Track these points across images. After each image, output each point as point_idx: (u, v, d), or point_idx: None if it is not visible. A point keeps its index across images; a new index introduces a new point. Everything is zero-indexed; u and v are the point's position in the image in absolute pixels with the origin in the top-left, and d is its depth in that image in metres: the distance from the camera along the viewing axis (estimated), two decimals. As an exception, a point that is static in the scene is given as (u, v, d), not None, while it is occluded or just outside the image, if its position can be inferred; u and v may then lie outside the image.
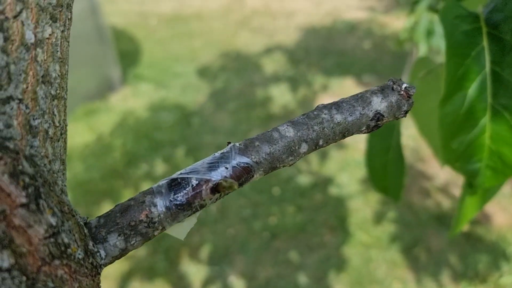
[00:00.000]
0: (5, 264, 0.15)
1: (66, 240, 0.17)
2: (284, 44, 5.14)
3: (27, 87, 0.18)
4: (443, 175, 2.79)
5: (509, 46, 0.44)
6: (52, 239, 0.17)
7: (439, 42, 2.57)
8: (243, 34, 5.61)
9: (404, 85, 0.25)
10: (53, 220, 0.17)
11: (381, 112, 0.24)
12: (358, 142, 3.16)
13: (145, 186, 2.97)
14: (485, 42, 0.45)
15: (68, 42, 0.21)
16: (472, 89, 0.45)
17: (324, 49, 4.89)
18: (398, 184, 0.61)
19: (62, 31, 0.20)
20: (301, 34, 5.45)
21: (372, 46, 4.86)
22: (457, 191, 2.61)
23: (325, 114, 0.24)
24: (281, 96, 3.90)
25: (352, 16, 5.98)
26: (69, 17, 0.21)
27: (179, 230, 0.23)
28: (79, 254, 0.18)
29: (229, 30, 5.76)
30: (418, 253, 2.29)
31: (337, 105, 0.24)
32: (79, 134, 3.52)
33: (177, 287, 2.29)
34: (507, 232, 2.32)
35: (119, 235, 0.21)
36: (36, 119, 0.19)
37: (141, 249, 2.49)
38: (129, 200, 0.22)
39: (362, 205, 2.63)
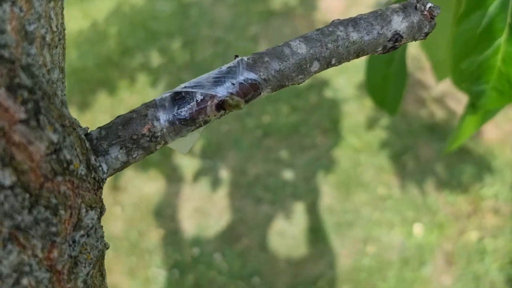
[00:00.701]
0: (7, 182, 0.15)
1: (68, 157, 0.17)
2: None
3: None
4: (441, 86, 2.78)
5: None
6: (54, 156, 0.16)
7: None
8: None
9: (429, 5, 0.23)
10: (54, 137, 0.16)
11: (400, 33, 0.23)
12: (360, 46, 3.08)
13: (141, 77, 2.93)
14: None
15: None
16: (492, 7, 0.42)
17: None
18: (396, 98, 0.61)
19: None
20: None
21: None
22: (452, 103, 2.62)
23: (340, 31, 0.22)
24: (284, -9, 3.71)
25: None
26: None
27: (182, 144, 0.22)
28: (82, 170, 0.18)
29: None
30: (406, 160, 2.36)
31: (354, 22, 0.23)
32: (73, 20, 3.38)
33: (170, 177, 2.39)
34: (495, 146, 2.38)
35: (121, 148, 0.20)
36: (31, 23, 0.17)
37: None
38: (131, 112, 0.21)
39: (356, 110, 2.65)
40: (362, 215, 2.17)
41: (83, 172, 0.18)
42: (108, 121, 0.23)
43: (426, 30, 0.24)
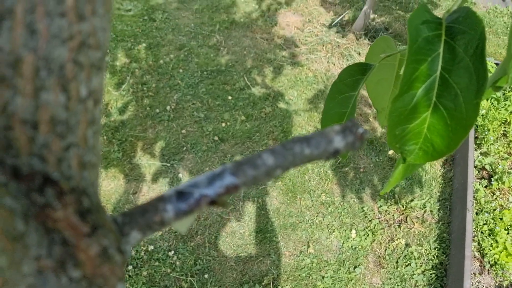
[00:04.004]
0: (76, 275, 0.20)
1: (111, 252, 0.22)
2: None
3: (81, 133, 0.22)
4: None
5: (460, 57, 0.49)
6: (103, 253, 0.21)
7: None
8: None
9: (360, 130, 0.30)
10: (105, 241, 0.21)
11: (339, 149, 0.30)
12: (312, 62, 3.19)
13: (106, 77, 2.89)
14: (441, 49, 0.50)
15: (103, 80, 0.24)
16: (421, 90, 0.50)
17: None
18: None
19: (102, 77, 0.23)
20: None
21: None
22: (391, 121, 2.78)
23: (297, 147, 0.29)
24: (246, 4, 3.76)
25: None
26: (106, 63, 0.24)
27: (182, 225, 0.28)
28: (117, 257, 0.23)
29: None
30: (348, 171, 2.50)
31: (307, 141, 0.29)
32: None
33: (129, 176, 2.38)
34: (427, 163, 2.56)
35: (138, 231, 0.26)
36: (86, 155, 0.22)
37: (96, 138, 2.51)
38: (147, 204, 0.26)
39: (306, 122, 2.76)
40: (305, 218, 2.28)
41: (118, 258, 0.23)
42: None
43: (357, 145, 0.31)
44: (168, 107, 2.74)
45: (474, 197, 2.25)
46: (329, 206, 2.33)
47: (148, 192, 2.32)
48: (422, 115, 0.52)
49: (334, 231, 2.23)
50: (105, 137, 2.52)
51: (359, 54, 3.28)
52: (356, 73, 0.65)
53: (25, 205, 0.18)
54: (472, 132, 2.51)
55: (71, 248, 0.20)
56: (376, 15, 3.72)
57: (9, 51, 0.19)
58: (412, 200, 2.36)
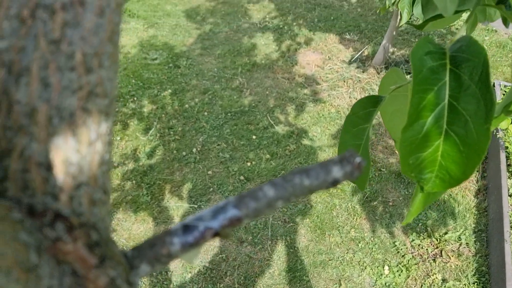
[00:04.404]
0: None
1: (119, 283, 0.24)
2: (273, -8, 5.00)
3: (91, 173, 0.24)
4: (408, 136, 2.91)
5: (466, 84, 0.50)
6: (111, 284, 0.23)
7: (421, 11, 2.57)
8: (235, -24, 5.40)
9: (358, 160, 0.31)
10: (113, 273, 0.23)
11: (338, 178, 0.31)
12: (334, 98, 3.22)
13: (132, 123, 3.00)
14: (447, 78, 0.51)
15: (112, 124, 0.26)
16: (430, 118, 0.51)
17: (312, 0, 4.79)
18: (364, 177, 0.69)
19: (111, 121, 0.25)
20: (291, -17, 5.29)
21: (359, 1, 4.79)
22: (417, 152, 2.74)
23: (297, 179, 0.30)
24: (266, 46, 3.87)
25: (342, -32, 5.80)
26: (115, 107, 0.26)
27: (189, 257, 0.30)
28: (126, 288, 0.25)
29: (221, -29, 5.54)
30: (376, 205, 2.45)
31: (307, 172, 0.31)
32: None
33: (157, 219, 2.41)
34: (459, 193, 2.49)
35: (147, 264, 0.27)
36: (95, 193, 0.24)
37: (126, 183, 2.57)
38: (155, 238, 0.28)
39: (331, 157, 2.74)
40: (335, 256, 2.22)
41: (127, 290, 0.24)
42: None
43: (356, 175, 0.32)
44: (194, 150, 2.79)
45: (511, 227, 2.16)
46: (360, 242, 2.27)
47: (177, 234, 2.33)
48: (435, 143, 0.53)
49: (366, 268, 2.17)
50: (134, 182, 2.58)
51: (380, 87, 3.29)
52: (368, 106, 0.66)
53: (38, 239, 0.20)
54: (504, 160, 2.43)
55: (81, 279, 0.21)
56: (395, 48, 3.75)
57: (25, 103, 0.21)
58: (446, 233, 2.28)
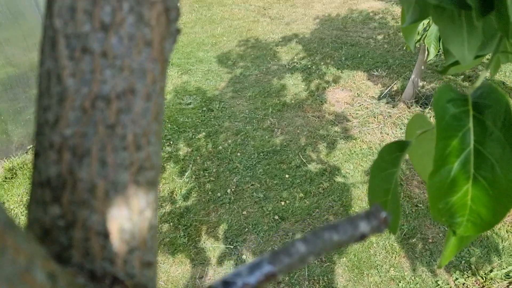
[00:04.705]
0: None
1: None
2: (300, 33, 5.13)
3: (141, 238, 0.27)
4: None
5: (490, 129, 0.51)
6: None
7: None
8: (263, 21, 5.60)
9: (384, 215, 0.33)
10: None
11: (365, 233, 0.33)
12: (365, 135, 3.21)
13: (169, 166, 3.08)
14: (471, 124, 0.52)
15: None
16: (457, 163, 0.52)
17: (338, 39, 4.88)
18: (395, 220, 0.69)
19: (156, 190, 0.28)
20: (317, 24, 5.43)
21: (385, 38, 4.84)
22: (455, 186, 2.67)
23: (327, 234, 0.32)
24: (295, 86, 3.94)
25: (367, 6, 5.91)
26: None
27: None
28: None
29: (250, 17, 5.76)
30: (415, 242, 2.38)
31: (336, 228, 0.33)
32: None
33: (195, 261, 2.43)
34: (501, 228, 2.39)
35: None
36: (145, 256, 0.27)
37: (164, 225, 2.62)
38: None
39: (365, 194, 2.71)
40: (376, 296, 2.16)
41: None
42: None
43: (382, 229, 0.34)
44: (228, 190, 2.82)
45: (561, 263, 2.04)
46: (400, 282, 2.20)
47: (214, 275, 2.34)
48: (463, 187, 0.53)
49: (408, 308, 2.09)
50: (171, 224, 2.62)
51: (412, 121, 3.25)
52: (395, 151, 0.67)
53: (99, 301, 0.23)
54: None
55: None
56: (425, 82, 3.73)
57: (87, 180, 0.25)
58: (491, 271, 2.17)
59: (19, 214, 2.79)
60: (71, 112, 0.25)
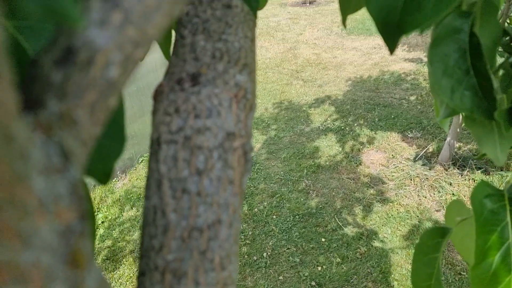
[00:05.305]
0: None
1: None
2: (333, 95, 5.26)
3: None
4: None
5: (528, 225, 0.54)
6: None
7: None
8: (296, 84, 5.79)
9: None
10: None
11: None
12: (402, 198, 3.18)
13: (205, 228, 3.12)
14: (508, 219, 0.56)
15: None
16: (497, 257, 0.55)
17: (371, 100, 4.96)
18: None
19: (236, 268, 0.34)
20: (349, 85, 5.56)
21: (418, 99, 4.88)
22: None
23: None
24: (329, 147, 4.00)
25: (398, 68, 6.03)
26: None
27: None
28: None
29: (283, 80, 5.97)
30: (460, 313, 2.27)
31: None
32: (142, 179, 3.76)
33: (231, 328, 2.39)
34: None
35: None
36: None
37: (200, 289, 2.62)
38: None
39: (404, 261, 2.65)
40: None
41: None
42: None
43: None
44: (264, 254, 2.82)
45: None
46: None
47: None
48: (505, 279, 0.56)
49: None
50: (207, 288, 2.62)
51: (450, 184, 3.21)
52: (436, 236, 0.70)
53: None
54: None
55: None
56: (461, 143, 3.71)
57: (183, 298, 0.31)
58: None
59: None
60: (173, 241, 0.31)
